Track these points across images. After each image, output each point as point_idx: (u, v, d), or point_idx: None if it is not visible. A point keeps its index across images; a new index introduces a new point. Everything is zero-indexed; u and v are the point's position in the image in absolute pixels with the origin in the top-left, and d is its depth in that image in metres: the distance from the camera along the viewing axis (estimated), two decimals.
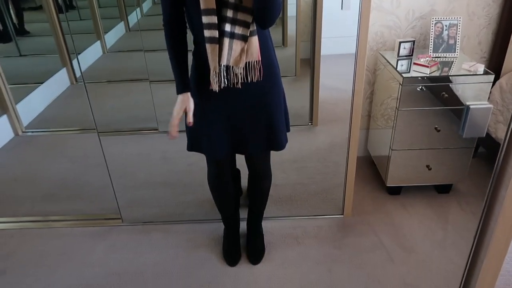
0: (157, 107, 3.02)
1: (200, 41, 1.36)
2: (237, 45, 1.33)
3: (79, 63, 2.08)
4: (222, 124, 1.51)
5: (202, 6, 1.27)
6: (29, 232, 2.12)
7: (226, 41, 1.31)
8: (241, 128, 1.53)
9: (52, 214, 2.23)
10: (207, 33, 1.30)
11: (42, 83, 3.55)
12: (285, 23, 3.28)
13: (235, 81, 1.38)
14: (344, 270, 1.80)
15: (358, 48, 1.75)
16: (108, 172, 2.06)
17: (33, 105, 3.38)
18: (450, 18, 2.09)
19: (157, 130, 2.96)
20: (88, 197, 2.36)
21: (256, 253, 1.88)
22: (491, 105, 0.54)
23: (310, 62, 2.85)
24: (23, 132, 3.14)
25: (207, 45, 1.32)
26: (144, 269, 1.85)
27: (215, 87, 1.37)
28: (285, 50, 3.33)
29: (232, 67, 1.35)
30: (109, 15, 4.59)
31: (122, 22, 4.64)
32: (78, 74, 3.97)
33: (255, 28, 1.34)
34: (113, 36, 4.54)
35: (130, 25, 4.64)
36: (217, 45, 1.32)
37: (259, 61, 1.37)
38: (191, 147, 1.61)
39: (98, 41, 4.31)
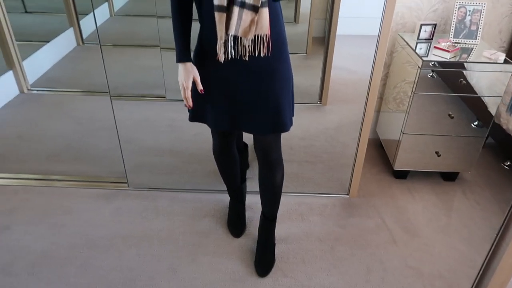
0: (166, 74, 2.97)
1: (208, 9, 1.29)
2: (247, 15, 1.26)
3: (95, 21, 2.02)
4: (227, 97, 1.46)
5: None
6: (33, 190, 2.12)
7: (236, 10, 1.25)
8: (245, 103, 1.46)
9: (57, 173, 2.22)
10: (216, 1, 1.24)
11: (48, 41, 3.48)
12: None
13: (243, 53, 1.32)
14: (347, 249, 1.82)
15: (381, 30, 1.71)
16: (118, 135, 2.05)
17: (39, 63, 3.32)
18: (475, 4, 2.05)
19: (164, 97, 2.92)
20: (93, 159, 2.35)
21: (265, 265, 1.73)
22: (501, 72, 0.52)
23: (325, 41, 2.80)
24: (28, 89, 3.10)
25: (216, 13, 1.26)
26: (150, 234, 1.86)
27: (221, 57, 1.32)
28: (296, 26, 3.27)
29: (241, 38, 1.29)
30: None
31: None
32: (85, 35, 3.89)
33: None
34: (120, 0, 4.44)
35: None
36: (225, 14, 1.26)
37: (268, 35, 1.30)
38: (192, 117, 1.55)
39: (106, 3, 4.21)
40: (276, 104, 1.45)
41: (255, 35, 1.29)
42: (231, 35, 1.28)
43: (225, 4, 1.24)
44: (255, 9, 1.26)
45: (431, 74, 1.96)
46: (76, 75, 3.37)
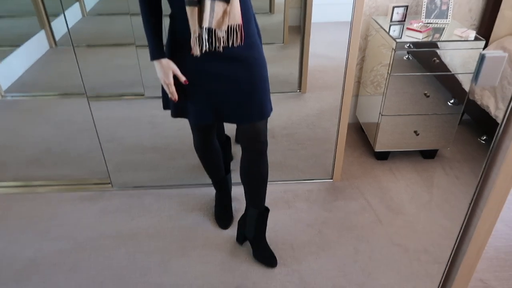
0: (143, 72, 2.94)
1: (179, 4, 1.28)
2: (219, 6, 1.27)
3: (66, 22, 1.99)
4: (206, 90, 1.46)
5: None
6: (15, 197, 2.09)
7: (208, 2, 1.25)
8: (225, 94, 1.46)
9: (38, 179, 2.19)
10: None
11: (19, 46, 3.40)
12: None
13: (217, 44, 1.32)
14: (334, 232, 1.85)
15: (354, 14, 1.73)
16: (97, 135, 2.02)
17: (11, 68, 3.24)
18: None
19: (143, 95, 2.90)
20: (74, 162, 2.32)
21: (270, 260, 1.72)
22: (506, 54, 0.55)
23: (300, 29, 2.81)
24: (2, 96, 3.03)
25: (187, 8, 1.25)
26: (138, 232, 1.85)
27: (196, 51, 1.32)
28: (272, 16, 3.27)
29: (215, 30, 1.30)
30: None
31: None
32: (57, 37, 3.81)
33: None
34: None
35: None
36: (197, 7, 1.25)
37: (241, 24, 1.31)
38: (175, 113, 1.55)
39: (77, 3, 4.12)
40: (256, 91, 1.47)
41: (228, 26, 1.30)
42: (205, 28, 1.28)
43: None
44: (226, 0, 1.26)
45: (406, 56, 2.00)
46: (51, 78, 3.31)
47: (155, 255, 1.74)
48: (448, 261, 0.99)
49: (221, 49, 1.33)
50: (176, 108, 1.53)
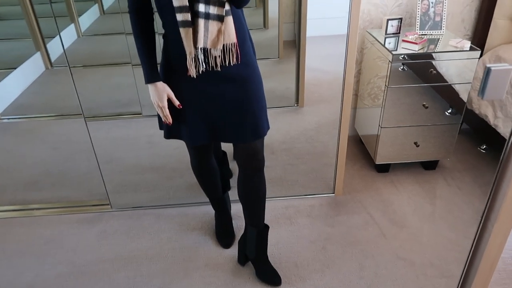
0: (140, 91, 2.94)
1: (172, 25, 1.27)
2: (213, 26, 1.26)
3: (62, 43, 1.98)
4: (201, 110, 1.44)
5: None
6: (13, 222, 2.05)
7: (201, 22, 1.24)
8: (221, 114, 1.45)
9: (36, 202, 2.16)
10: (179, 16, 1.22)
11: (15, 68, 3.40)
12: (265, 4, 3.23)
13: (213, 64, 1.32)
14: (338, 248, 1.82)
15: (349, 28, 1.74)
16: (95, 156, 2.00)
17: (7, 91, 3.23)
18: None
19: (140, 114, 2.89)
20: (73, 183, 2.29)
21: (273, 278, 1.69)
22: (511, 66, 0.55)
23: (296, 44, 2.83)
24: None
25: (181, 30, 1.25)
26: (137, 254, 1.82)
27: (192, 72, 1.31)
28: (266, 32, 3.29)
29: (210, 50, 1.29)
30: None
31: (96, 4, 4.47)
32: (53, 58, 3.82)
33: (230, 7, 1.27)
34: (87, 19, 4.38)
35: (104, 8, 4.49)
36: (191, 28, 1.25)
37: (236, 43, 1.31)
38: (168, 135, 1.54)
39: (72, 24, 4.15)
40: (252, 110, 1.45)
41: (223, 45, 1.29)
42: (200, 48, 1.28)
43: (190, 19, 1.23)
44: (220, 18, 1.26)
45: (401, 68, 2.00)
46: (47, 100, 3.30)
47: (156, 278, 1.70)
48: (461, 278, 0.96)
49: (218, 68, 1.32)
50: (170, 130, 1.51)
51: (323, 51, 2.79)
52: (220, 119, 1.45)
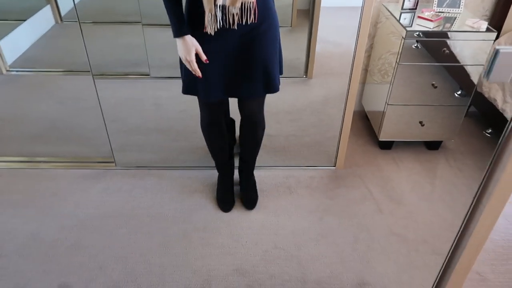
0: (149, 51, 2.92)
1: None
2: None
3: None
4: (217, 66, 1.48)
5: None
6: (19, 173, 2.10)
7: None
8: (236, 70, 1.50)
9: (42, 155, 2.20)
10: None
11: (24, 20, 3.36)
12: None
13: (231, 22, 1.35)
14: (335, 219, 1.86)
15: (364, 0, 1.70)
16: (102, 114, 2.02)
17: (16, 43, 3.21)
18: None
19: (148, 75, 2.88)
20: (79, 139, 2.32)
21: (250, 201, 1.92)
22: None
23: (309, 13, 2.76)
24: (7, 70, 3.01)
25: None
26: (139, 212, 1.87)
27: (210, 29, 1.35)
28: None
29: (228, 7, 1.32)
30: None
31: None
32: (63, 12, 3.77)
33: None
34: None
35: None
36: None
37: (254, 2, 1.34)
38: (186, 89, 1.57)
39: None
40: (266, 67, 1.50)
41: (242, 3, 1.32)
42: (219, 5, 1.30)
43: None
44: None
45: (415, 45, 1.97)
46: (56, 54, 3.28)
47: (156, 236, 1.76)
48: (448, 253, 1.00)
49: (235, 26, 1.35)
50: (188, 85, 1.54)
51: (337, 22, 2.73)
52: (236, 74, 1.50)
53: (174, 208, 1.89)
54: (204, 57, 1.42)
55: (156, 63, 2.90)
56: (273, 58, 1.52)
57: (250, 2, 1.33)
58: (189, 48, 1.40)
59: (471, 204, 0.88)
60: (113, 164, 2.13)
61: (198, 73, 1.44)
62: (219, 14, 1.32)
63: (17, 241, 1.73)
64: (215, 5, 1.30)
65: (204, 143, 1.85)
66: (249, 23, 1.37)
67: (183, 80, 1.56)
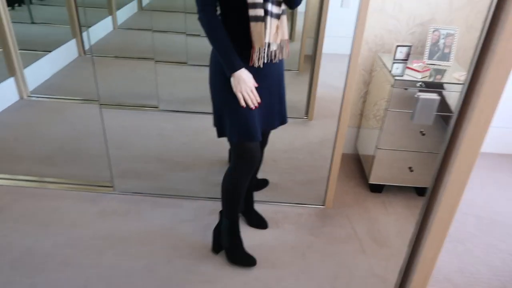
0: (160, 86, 3.11)
1: (236, 21, 1.43)
2: (273, 23, 1.46)
3: (88, 36, 2.15)
4: (261, 102, 1.54)
5: None
6: (24, 191, 2.23)
7: (269, 19, 1.43)
8: (267, 105, 1.60)
9: (48, 175, 2.33)
10: (252, 12, 1.40)
11: (51, 51, 3.64)
12: (294, 17, 3.35)
13: (273, 57, 1.50)
14: (317, 256, 1.90)
15: (353, 46, 1.83)
16: (106, 141, 2.16)
17: (40, 71, 3.47)
18: (448, 28, 2.16)
19: (157, 107, 3.05)
20: (84, 163, 2.46)
21: (249, 260, 1.84)
22: (438, 97, 0.62)
23: (311, 58, 2.92)
24: (28, 96, 3.24)
25: (253, 24, 1.41)
26: (129, 235, 1.95)
27: (258, 63, 1.48)
28: (292, 44, 3.41)
29: (269, 44, 1.47)
30: None
31: (136, 0, 4.72)
32: (87, 46, 4.06)
33: (284, 7, 1.48)
34: (125, 13, 4.63)
35: (143, 4, 4.73)
36: (263, 23, 1.42)
37: (288, 40, 1.52)
38: (240, 136, 1.55)
39: (110, 17, 4.39)
40: (284, 100, 1.70)
41: (280, 40, 1.49)
42: (266, 42, 1.46)
43: (262, 14, 1.41)
44: (278, 17, 1.46)
45: (417, 95, 2.04)
46: (75, 84, 3.52)
47: (142, 259, 1.83)
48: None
49: (277, 60, 1.52)
50: (240, 129, 1.54)
51: (340, 68, 2.88)
52: (267, 108, 1.61)
53: (162, 234, 1.97)
54: (258, 100, 1.50)
55: (165, 97, 3.08)
56: (285, 94, 1.69)
57: (286, 40, 1.52)
58: (248, 77, 1.46)
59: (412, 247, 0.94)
60: (112, 188, 2.24)
61: (258, 98, 1.50)
62: (265, 49, 1.47)
63: (12, 255, 1.82)
64: (263, 41, 1.45)
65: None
66: (283, 58, 1.55)
67: (236, 128, 1.54)
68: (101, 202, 2.17)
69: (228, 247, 1.82)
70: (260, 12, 1.39)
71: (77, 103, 3.24)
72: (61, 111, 3.10)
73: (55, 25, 4.19)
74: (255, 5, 1.39)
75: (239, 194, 1.73)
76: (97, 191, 2.24)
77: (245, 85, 1.46)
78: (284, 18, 1.50)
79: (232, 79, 1.47)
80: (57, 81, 3.53)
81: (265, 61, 1.49)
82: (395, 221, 2.15)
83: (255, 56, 1.46)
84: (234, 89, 1.47)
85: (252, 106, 1.49)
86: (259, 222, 2.04)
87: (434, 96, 0.61)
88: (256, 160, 1.66)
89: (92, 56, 2.11)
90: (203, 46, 1.69)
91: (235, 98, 1.49)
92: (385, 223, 2.13)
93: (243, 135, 1.56)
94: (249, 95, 1.48)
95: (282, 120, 1.73)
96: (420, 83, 2.01)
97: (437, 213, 0.89)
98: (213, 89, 1.60)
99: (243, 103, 1.49)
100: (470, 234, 2.09)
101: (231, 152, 1.74)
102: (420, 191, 2.34)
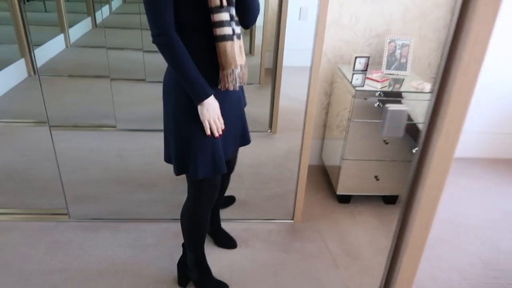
0: (116, 104, 2.98)
1: (199, 43, 1.31)
2: (237, 43, 1.34)
3: (34, 56, 2.02)
4: (226, 130, 1.42)
5: (214, 4, 1.25)
6: None
7: (235, 39, 1.32)
8: (233, 130, 1.50)
9: None
10: (219, 31, 1.27)
11: None
12: (253, 31, 3.34)
13: (243, 79, 1.40)
14: (289, 274, 1.84)
15: (313, 58, 1.82)
16: (57, 164, 2.01)
17: None
18: (403, 39, 2.22)
19: (115, 127, 2.91)
20: (35, 191, 2.28)
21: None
22: (406, 108, 0.61)
23: (272, 71, 2.92)
24: None
25: (222, 44, 1.28)
26: (88, 267, 1.80)
27: (233, 86, 1.36)
28: (252, 58, 3.39)
29: (240, 66, 1.37)
30: (76, 10, 4.51)
31: (89, 17, 4.56)
32: (38, 65, 3.85)
33: None
34: (78, 31, 4.44)
35: (98, 22, 4.57)
36: (233, 42, 1.30)
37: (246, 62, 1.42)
38: (215, 169, 1.42)
39: (62, 34, 4.21)
40: (246, 120, 1.61)
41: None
42: (239, 65, 1.35)
43: (231, 33, 1.30)
44: (239, 37, 1.36)
45: (377, 104, 2.06)
46: (25, 106, 3.31)
47: None
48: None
49: (243, 83, 1.43)
50: (214, 162, 1.42)
51: (302, 80, 2.88)
52: (231, 132, 1.50)
53: (125, 262, 1.84)
54: (222, 127, 1.39)
55: (123, 116, 2.95)
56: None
57: (245, 61, 1.41)
58: (217, 103, 1.35)
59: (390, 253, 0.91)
60: (67, 216, 2.09)
61: (220, 130, 1.38)
62: (238, 72, 1.35)
63: None
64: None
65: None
66: (245, 80, 1.43)
67: (207, 162, 1.41)
68: (55, 232, 2.00)
69: (197, 279, 1.71)
70: (228, 30, 1.28)
71: (27, 126, 3.03)
72: (9, 135, 2.89)
73: (2, 43, 3.96)
74: (222, 24, 1.27)
75: (204, 228, 1.61)
76: (50, 220, 2.08)
77: (213, 112, 1.34)
78: (242, 39, 1.39)
79: (200, 108, 1.33)
80: (5, 104, 3.30)
81: (238, 83, 1.38)
82: (365, 231, 2.14)
83: (228, 78, 1.34)
84: (202, 118, 1.34)
85: (217, 134, 1.38)
86: (227, 242, 1.96)
87: (403, 107, 0.59)
88: (217, 190, 1.56)
89: (39, 76, 1.97)
90: (162, 62, 1.60)
91: (202, 129, 1.37)
92: (356, 234, 2.11)
93: (212, 169, 1.43)
94: (215, 123, 1.36)
95: (245, 141, 1.62)
96: (379, 93, 2.04)
97: (414, 224, 0.86)
98: (173, 122, 1.41)
99: (209, 132, 1.37)
100: (438, 239, 2.10)
101: (189, 185, 1.56)
102: (387, 199, 2.36)
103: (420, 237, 0.88)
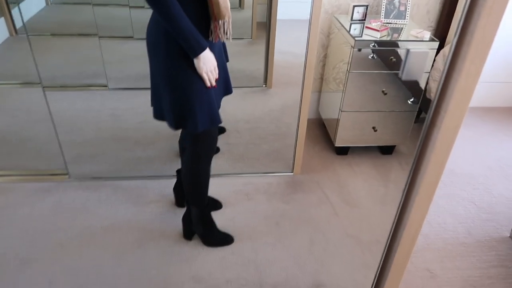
0: (107, 63, 2.89)
1: None
2: None
3: (21, 13, 1.92)
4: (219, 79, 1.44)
5: None
6: None
7: None
8: (219, 80, 1.49)
9: None
10: None
11: None
12: None
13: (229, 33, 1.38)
14: (291, 223, 1.88)
15: (312, 10, 1.77)
16: (53, 125, 1.98)
17: None
18: None
19: (106, 86, 2.84)
20: (31, 152, 2.25)
21: (226, 239, 1.80)
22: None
23: (266, 25, 2.84)
24: None
25: None
26: (92, 224, 1.82)
27: (225, 37, 1.36)
28: (241, 12, 3.28)
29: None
30: None
31: None
32: (18, 25, 3.67)
33: None
34: None
35: None
36: None
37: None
38: (212, 121, 1.43)
39: None
40: (227, 70, 1.60)
41: None
42: (228, 16, 1.33)
43: None
44: None
45: (371, 55, 2.04)
46: (10, 67, 3.18)
47: (109, 248, 1.71)
48: (385, 248, 1.04)
49: (229, 37, 1.39)
50: (211, 113, 1.43)
51: (294, 34, 2.81)
52: (218, 83, 1.49)
53: (128, 219, 1.86)
54: (216, 77, 1.40)
55: (114, 75, 2.87)
56: None
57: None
58: (212, 56, 1.35)
59: (401, 199, 0.93)
60: (67, 176, 2.08)
61: (213, 81, 1.39)
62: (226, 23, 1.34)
63: None
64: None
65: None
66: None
67: (205, 113, 1.41)
68: (56, 191, 2.00)
69: (202, 233, 1.74)
70: None
71: (15, 87, 2.94)
72: None
73: None
74: None
75: (206, 181, 1.64)
76: (50, 180, 2.07)
77: (210, 64, 1.34)
78: None
79: (196, 61, 1.32)
80: None
81: (229, 34, 1.37)
82: (363, 181, 2.18)
83: (220, 28, 1.33)
84: (199, 71, 1.33)
85: (214, 84, 1.39)
86: (213, 205, 1.94)
87: (424, 49, 0.57)
88: (216, 142, 1.58)
89: (27, 34, 1.88)
90: (149, 18, 1.55)
91: (200, 81, 1.36)
92: (354, 184, 2.15)
93: (212, 120, 1.43)
94: (212, 74, 1.37)
95: (228, 90, 1.61)
96: (374, 43, 2.00)
97: (425, 175, 0.87)
98: (169, 77, 1.38)
99: (208, 84, 1.37)
100: None
101: (188, 140, 1.57)
102: (383, 150, 2.39)
103: (432, 181, 0.89)
